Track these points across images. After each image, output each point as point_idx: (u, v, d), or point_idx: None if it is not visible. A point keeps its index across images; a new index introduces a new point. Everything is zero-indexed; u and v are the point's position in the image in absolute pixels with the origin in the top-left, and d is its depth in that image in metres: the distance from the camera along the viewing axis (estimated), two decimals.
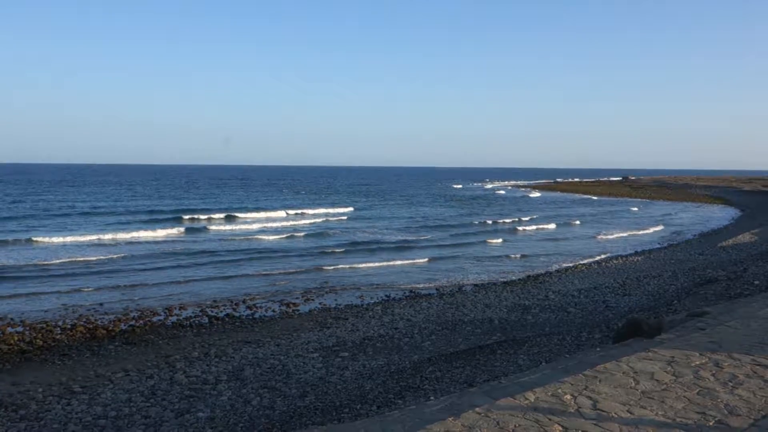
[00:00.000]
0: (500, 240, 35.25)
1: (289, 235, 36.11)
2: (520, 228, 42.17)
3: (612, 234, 38.92)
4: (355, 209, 57.18)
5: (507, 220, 47.20)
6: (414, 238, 35.25)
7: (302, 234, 36.74)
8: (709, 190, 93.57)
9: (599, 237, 37.63)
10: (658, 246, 32.87)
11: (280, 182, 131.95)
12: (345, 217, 48.94)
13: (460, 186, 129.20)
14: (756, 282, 17.96)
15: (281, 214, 51.14)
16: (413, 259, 27.64)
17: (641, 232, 40.32)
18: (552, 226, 43.68)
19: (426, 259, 27.54)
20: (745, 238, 32.87)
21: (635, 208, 62.41)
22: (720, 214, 56.20)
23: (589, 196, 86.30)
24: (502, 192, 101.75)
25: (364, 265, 25.79)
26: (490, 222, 45.87)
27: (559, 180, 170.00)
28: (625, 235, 38.74)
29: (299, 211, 52.98)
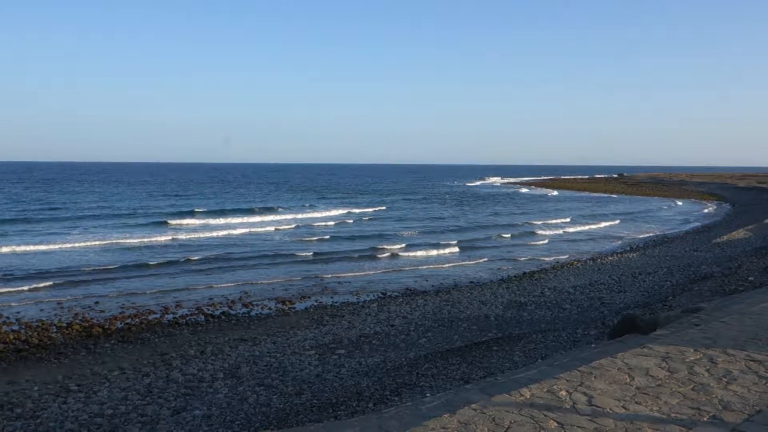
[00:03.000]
0: (546, 241, 34.28)
1: (318, 237, 34.30)
2: (571, 229, 40.48)
3: (666, 230, 39.49)
4: (387, 209, 55.30)
5: (555, 221, 44.84)
6: (464, 239, 34.22)
7: (331, 236, 35.19)
8: (703, 187, 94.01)
9: (656, 232, 37.91)
10: (653, 242, 33.07)
11: (281, 180, 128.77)
12: (376, 218, 47.08)
13: (478, 183, 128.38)
14: (750, 278, 18.04)
15: (296, 216, 47.40)
16: (477, 259, 27.50)
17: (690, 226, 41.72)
18: (602, 224, 42.86)
19: (486, 259, 27.39)
20: (739, 234, 32.98)
21: (665, 206, 62.36)
22: (716, 210, 56.63)
23: (608, 195, 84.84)
24: (525, 190, 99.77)
25: (448, 265, 25.84)
26: (539, 222, 43.53)
27: (564, 177, 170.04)
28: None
29: (322, 213, 49.13)
